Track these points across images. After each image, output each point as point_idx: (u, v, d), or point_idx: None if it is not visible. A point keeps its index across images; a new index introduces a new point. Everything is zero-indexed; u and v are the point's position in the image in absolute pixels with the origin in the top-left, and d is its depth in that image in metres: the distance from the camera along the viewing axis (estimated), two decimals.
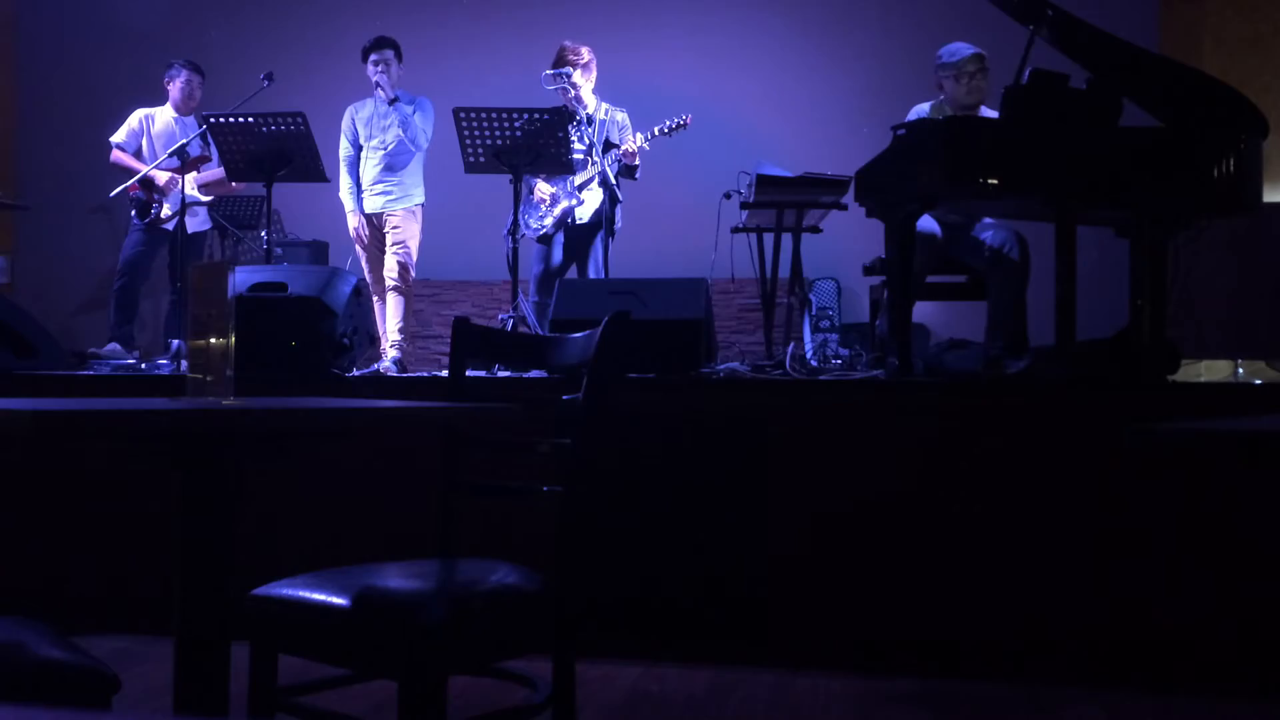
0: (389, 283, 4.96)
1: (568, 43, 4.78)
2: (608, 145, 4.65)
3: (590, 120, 4.69)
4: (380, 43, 4.99)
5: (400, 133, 4.91)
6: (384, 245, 5.02)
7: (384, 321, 5.00)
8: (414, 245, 5.00)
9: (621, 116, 4.76)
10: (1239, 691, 2.70)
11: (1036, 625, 2.90)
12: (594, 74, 4.75)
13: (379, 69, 4.94)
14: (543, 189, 4.73)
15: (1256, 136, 3.34)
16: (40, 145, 6.88)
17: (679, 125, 4.58)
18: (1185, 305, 4.13)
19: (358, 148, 5.04)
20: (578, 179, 4.69)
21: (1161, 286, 3.44)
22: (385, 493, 3.11)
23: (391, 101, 4.92)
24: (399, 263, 4.94)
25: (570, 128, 4.58)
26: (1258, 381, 4.50)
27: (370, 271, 5.05)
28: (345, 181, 5.05)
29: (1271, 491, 2.78)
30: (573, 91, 4.69)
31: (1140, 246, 3.51)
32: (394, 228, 4.97)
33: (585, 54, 4.73)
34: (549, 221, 4.75)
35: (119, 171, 5.29)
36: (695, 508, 3.08)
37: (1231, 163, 3.28)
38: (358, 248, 5.08)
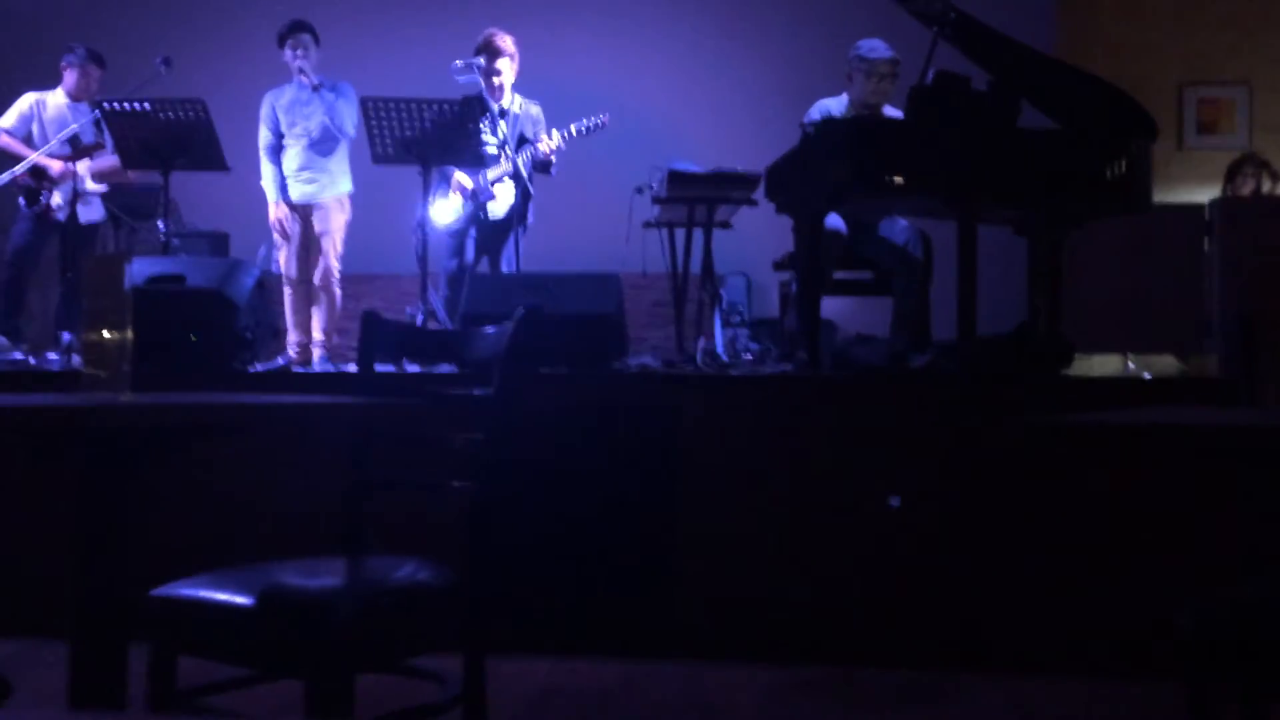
0: (320, 279, 4.83)
1: (494, 30, 4.69)
2: (521, 140, 4.61)
3: (504, 114, 4.64)
4: (296, 26, 4.85)
5: (326, 120, 4.79)
6: (307, 236, 4.88)
7: (293, 315, 4.88)
8: (339, 237, 4.89)
9: (536, 110, 4.70)
10: (1138, 675, 2.80)
11: (934, 613, 2.97)
12: (517, 64, 4.68)
13: (298, 54, 4.79)
14: (462, 179, 4.66)
15: (1146, 139, 3.47)
16: None
17: (597, 125, 4.55)
18: (1078, 302, 4.28)
19: (279, 135, 4.88)
20: (490, 173, 4.63)
21: (1057, 284, 3.57)
22: (291, 489, 3.05)
23: (315, 88, 4.79)
24: (328, 255, 4.82)
25: (483, 120, 4.52)
26: (1146, 375, 4.68)
27: (288, 263, 4.90)
28: (268, 170, 4.89)
29: (1159, 478, 2.90)
30: (496, 80, 4.61)
31: (1037, 245, 3.63)
32: (319, 218, 4.85)
33: (511, 43, 4.66)
34: (460, 214, 4.68)
35: (4, 157, 5.07)
36: (607, 501, 3.08)
37: (1123, 164, 3.41)
38: (277, 237, 4.92)
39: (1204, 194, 5.44)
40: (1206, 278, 4.97)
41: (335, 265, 4.87)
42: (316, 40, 4.87)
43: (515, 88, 4.72)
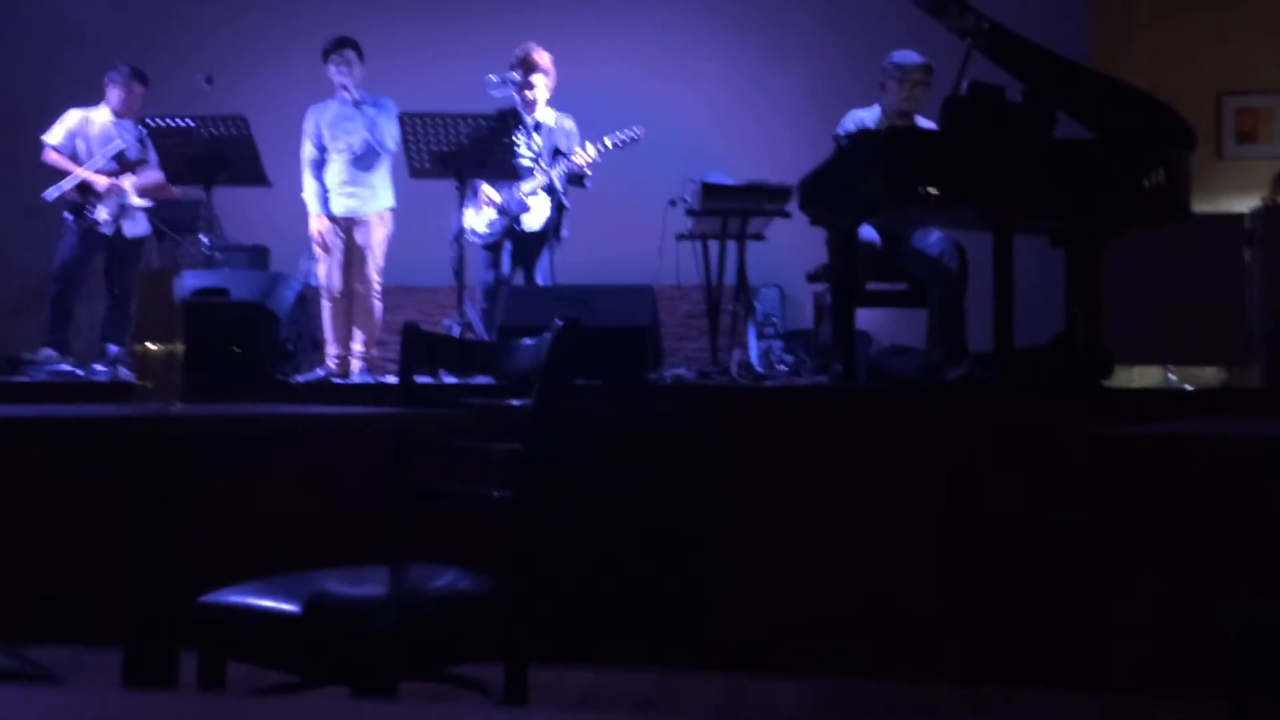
0: (361, 292, 4.88)
1: (532, 44, 4.74)
2: (555, 153, 4.65)
3: (539, 127, 4.69)
4: (341, 43, 4.88)
5: (367, 135, 4.83)
6: (348, 249, 4.93)
7: (331, 327, 4.92)
8: (380, 251, 4.92)
9: (570, 124, 4.74)
10: (1183, 687, 2.78)
11: (977, 626, 2.96)
12: (553, 79, 4.73)
13: (342, 70, 4.84)
14: (488, 193, 4.70)
15: (1185, 148, 3.45)
16: None
17: (632, 139, 4.59)
18: (1118, 313, 4.25)
19: (322, 149, 4.92)
20: (525, 186, 4.68)
21: (1095, 294, 3.55)
22: (334, 499, 3.09)
23: (357, 104, 4.84)
24: (369, 268, 4.87)
25: (517, 133, 4.57)
26: (1188, 387, 4.64)
27: (328, 275, 4.94)
28: (310, 184, 4.92)
29: (1201, 490, 2.87)
30: (531, 94, 4.66)
31: (1075, 256, 3.61)
32: (360, 232, 4.90)
33: (548, 59, 4.71)
34: (494, 227, 4.72)
35: (52, 171, 5.17)
36: (643, 512, 3.10)
37: (1161, 174, 3.39)
38: (317, 250, 4.96)
39: (1244, 203, 5.38)
40: (1247, 288, 4.92)
41: (375, 279, 4.92)
42: (360, 56, 4.92)
43: (550, 101, 4.76)
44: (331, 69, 4.87)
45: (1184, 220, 3.50)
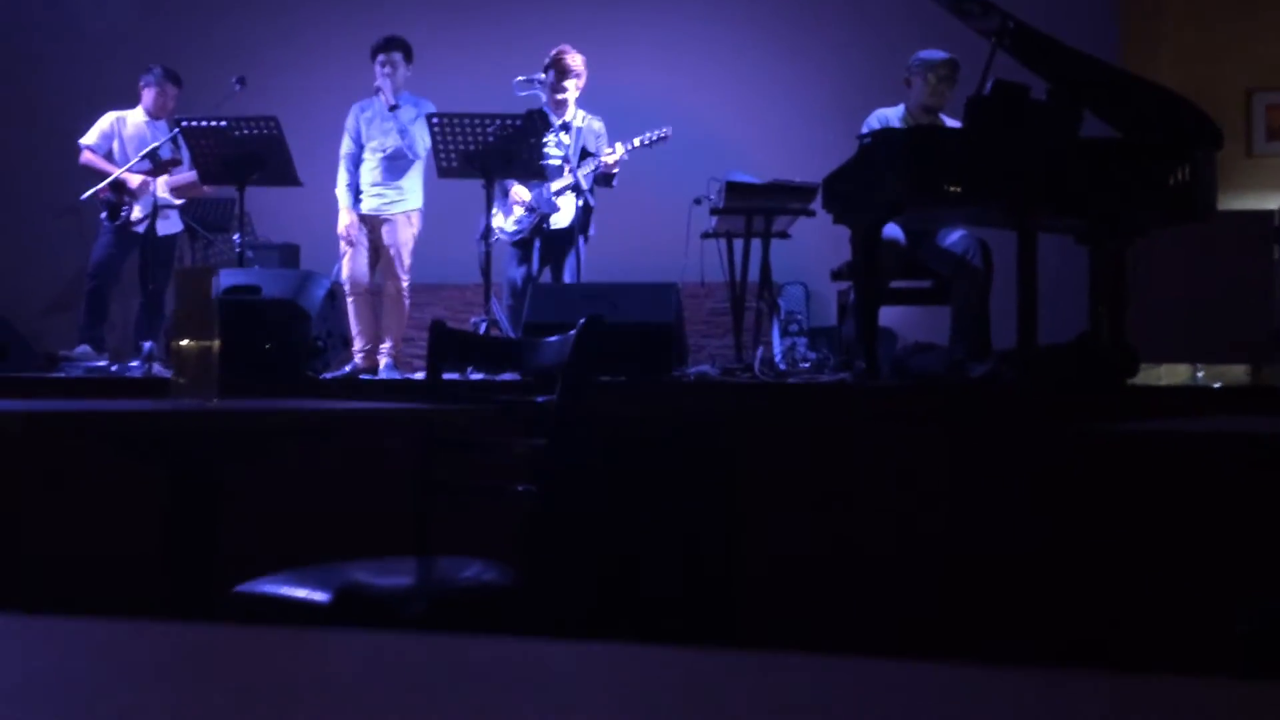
0: (388, 290, 4.93)
1: (565, 47, 4.79)
2: (584, 154, 4.70)
3: (567, 127, 4.74)
4: (389, 44, 4.88)
5: (399, 140, 4.87)
6: (374, 247, 4.99)
7: (356, 322, 4.98)
8: (406, 250, 4.96)
9: (598, 125, 4.78)
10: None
11: (997, 621, 2.97)
12: (583, 82, 4.78)
13: (385, 71, 4.84)
14: (519, 193, 4.76)
15: (1210, 147, 3.44)
16: (7, 146, 6.83)
17: (659, 138, 4.63)
18: (1146, 311, 4.24)
19: (359, 146, 4.95)
20: (553, 186, 4.73)
21: (1121, 292, 3.55)
22: (363, 491, 3.15)
23: (392, 108, 4.88)
24: (396, 267, 4.92)
25: (547, 134, 4.62)
26: (1216, 385, 4.62)
27: (353, 271, 4.99)
28: (343, 178, 4.96)
29: (1221, 486, 2.87)
30: (561, 96, 4.71)
31: (1099, 254, 3.61)
32: (388, 231, 4.95)
33: (581, 62, 4.75)
34: (524, 224, 4.78)
35: (88, 173, 5.27)
36: (666, 506, 3.13)
37: (1187, 172, 3.39)
38: (344, 245, 5.02)
39: (1273, 201, 5.35)
40: (1277, 285, 4.89)
41: (403, 277, 4.97)
42: (408, 59, 4.90)
43: (579, 102, 4.81)
44: (376, 68, 4.90)
45: (1209, 219, 3.50)
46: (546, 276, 4.81)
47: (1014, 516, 3.00)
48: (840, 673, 0.40)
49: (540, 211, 4.74)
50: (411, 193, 4.98)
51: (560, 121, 4.73)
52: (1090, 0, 6.06)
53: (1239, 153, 5.79)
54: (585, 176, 4.64)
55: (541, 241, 4.79)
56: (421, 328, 3.01)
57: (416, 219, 5.00)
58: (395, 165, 4.91)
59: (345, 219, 4.96)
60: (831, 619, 3.03)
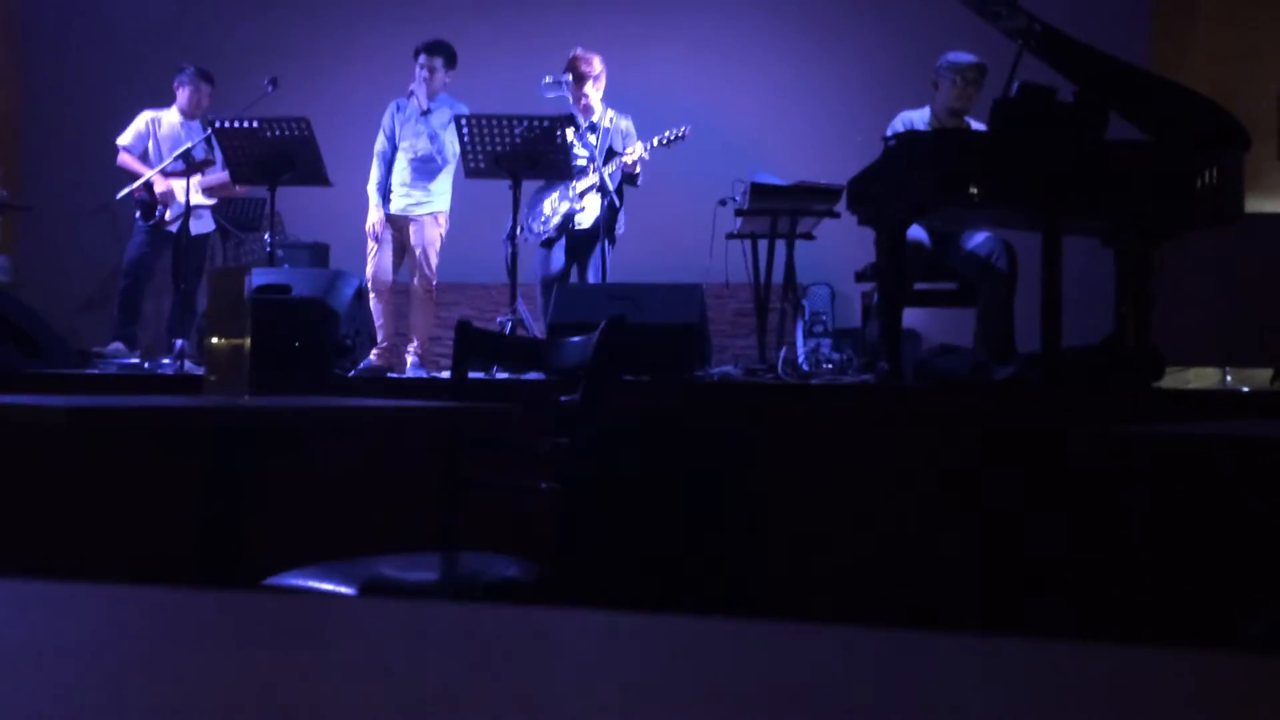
0: (414, 289, 4.97)
1: (580, 51, 4.82)
2: (610, 154, 4.73)
3: (595, 128, 4.77)
4: (433, 48, 4.90)
5: (429, 145, 4.91)
6: (400, 246, 5.04)
7: (379, 319, 5.01)
8: (433, 251, 5.00)
9: (626, 124, 4.81)
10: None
11: (1017, 623, 2.98)
12: (603, 83, 4.81)
13: (423, 74, 4.87)
14: (551, 202, 4.81)
15: (1238, 150, 3.43)
16: (44, 146, 6.95)
17: (678, 137, 4.66)
18: (1175, 313, 4.22)
19: (393, 145, 4.99)
20: (579, 185, 4.76)
21: (1146, 295, 3.54)
22: (389, 488, 3.19)
23: (424, 112, 4.91)
24: (423, 267, 4.96)
25: (575, 135, 4.66)
26: (1245, 389, 4.58)
27: (377, 269, 5.04)
28: (374, 175, 4.99)
29: (1241, 489, 2.86)
30: (583, 100, 4.76)
31: (1125, 256, 3.60)
32: (415, 231, 4.99)
33: (596, 64, 4.78)
34: (553, 224, 4.82)
35: (123, 173, 5.36)
36: (689, 506, 3.16)
37: (1213, 175, 3.37)
38: (371, 242, 5.07)
39: None
40: None
41: (430, 276, 5.01)
42: (449, 64, 4.90)
43: (606, 101, 4.84)
44: (416, 69, 4.93)
45: (1236, 222, 3.48)
46: (575, 276, 4.85)
47: (1038, 519, 3.00)
48: (865, 641, 0.43)
49: (568, 211, 4.78)
50: (439, 195, 5.02)
51: (588, 122, 4.77)
52: (1123, 2, 6.02)
53: (1269, 154, 5.74)
54: (610, 176, 4.67)
55: (567, 240, 4.82)
56: (448, 327, 3.05)
57: (444, 220, 5.04)
58: (425, 167, 4.95)
59: (373, 216, 5.01)
60: (854, 618, 3.04)
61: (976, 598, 3.01)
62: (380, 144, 5.01)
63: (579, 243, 4.83)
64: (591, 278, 4.74)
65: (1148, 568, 2.93)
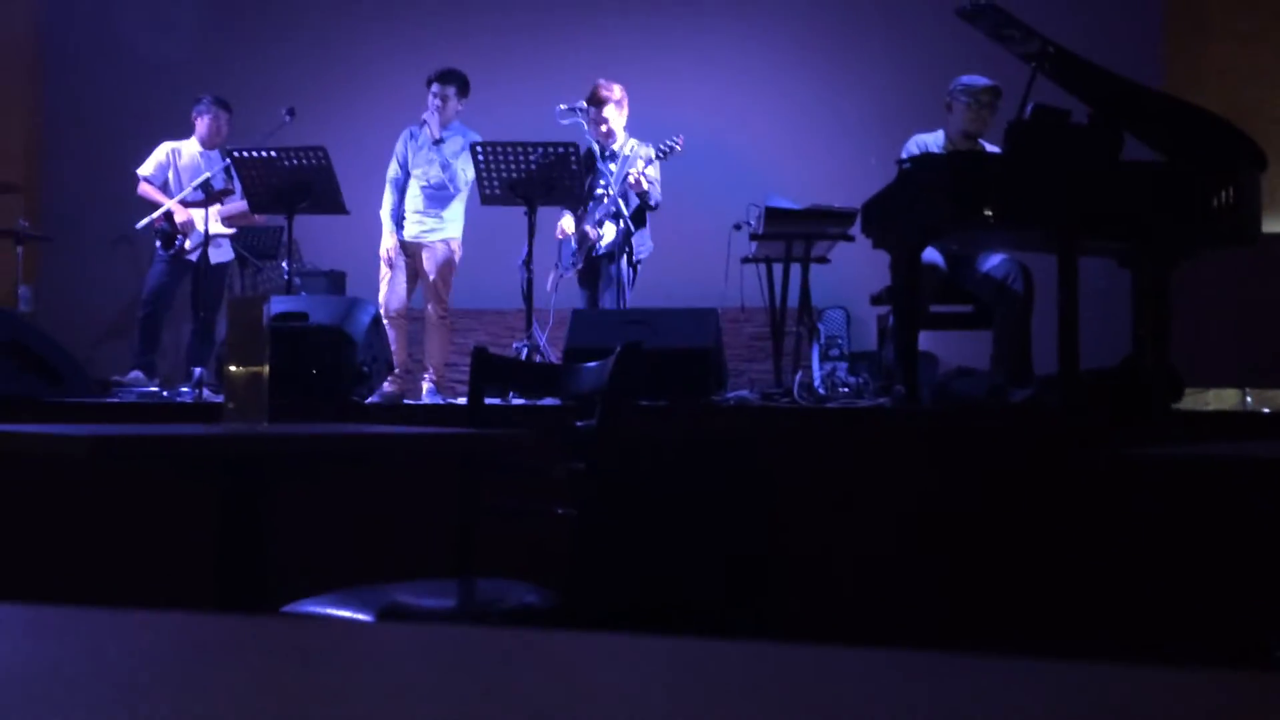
0: (428, 316, 5.00)
1: (601, 81, 4.88)
2: (626, 179, 4.78)
3: (615, 156, 4.81)
4: (446, 77, 4.95)
5: (441, 174, 4.95)
6: (412, 273, 5.07)
7: (394, 346, 5.04)
8: (447, 277, 5.04)
9: (646, 151, 4.83)
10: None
11: (1036, 643, 2.95)
12: (626, 109, 4.86)
13: (436, 103, 4.93)
14: (565, 225, 4.84)
15: (1254, 170, 3.42)
16: (64, 176, 7.03)
17: (670, 149, 4.69)
18: (1195, 335, 4.19)
19: (406, 172, 5.04)
20: (598, 214, 4.81)
21: (1164, 316, 3.52)
22: (406, 514, 3.19)
23: (436, 141, 4.95)
24: (436, 293, 4.99)
25: (599, 163, 4.72)
26: (1265, 410, 4.55)
27: (388, 296, 5.07)
28: (387, 201, 5.04)
29: (1262, 511, 2.83)
30: (604, 124, 4.80)
31: (1142, 277, 3.59)
32: (427, 258, 5.02)
33: (618, 90, 4.83)
34: (578, 256, 4.87)
35: (143, 203, 5.42)
36: (705, 530, 3.15)
37: (1230, 195, 3.36)
38: (385, 268, 5.10)
39: None
40: None
41: (444, 303, 5.04)
42: (462, 93, 4.96)
43: (631, 130, 4.88)
44: (429, 97, 4.99)
45: (1253, 243, 3.47)
46: (608, 302, 4.86)
47: (1056, 542, 2.98)
48: (881, 668, 0.43)
49: (589, 241, 4.81)
50: (452, 222, 5.05)
51: (609, 150, 4.82)
52: (1135, 21, 6.03)
53: None
54: (621, 200, 4.71)
55: (587, 266, 4.86)
56: (464, 353, 3.07)
57: (457, 247, 5.08)
58: (438, 195, 4.99)
59: (387, 241, 5.05)
60: (870, 641, 3.02)
61: (995, 620, 2.98)
62: (393, 171, 5.06)
63: (594, 267, 4.85)
64: (606, 303, 4.76)
65: (1168, 591, 2.90)
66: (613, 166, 4.78)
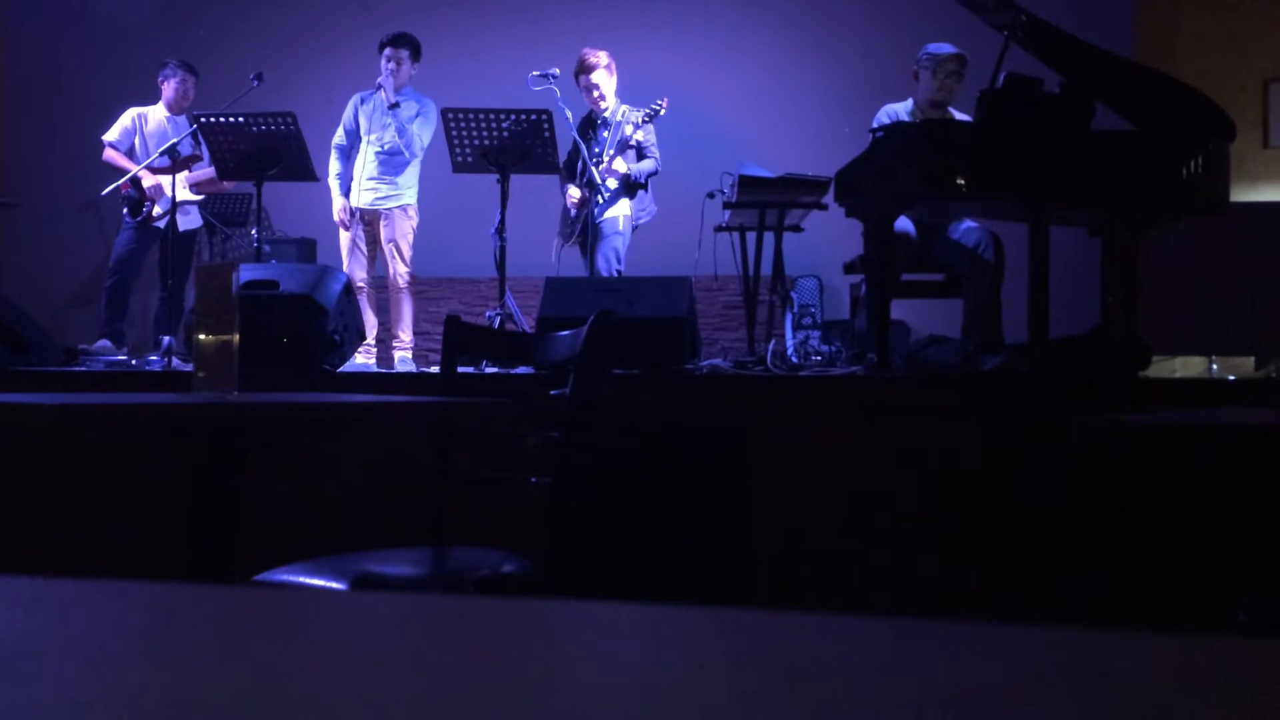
0: (392, 284, 4.98)
1: (586, 49, 4.86)
2: (624, 146, 4.76)
3: (607, 123, 4.79)
4: (397, 40, 4.91)
5: (395, 138, 4.91)
6: (369, 240, 5.03)
7: (367, 316, 5.01)
8: (406, 244, 5.01)
9: (637, 115, 4.80)
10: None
11: (1004, 611, 2.99)
12: (615, 74, 4.84)
13: (389, 66, 4.88)
14: (572, 193, 4.83)
15: (1223, 139, 3.44)
16: (28, 142, 6.91)
17: (656, 111, 4.70)
18: (1161, 303, 4.24)
19: (354, 137, 5.00)
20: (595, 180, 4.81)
21: (1133, 285, 3.55)
22: (379, 483, 3.19)
23: (392, 106, 4.91)
24: (397, 261, 4.95)
25: (591, 131, 4.72)
26: (1230, 377, 4.61)
27: (353, 263, 5.03)
28: (333, 167, 4.99)
29: (1224, 477, 2.88)
30: (595, 93, 4.78)
31: (1112, 246, 3.62)
32: (385, 226, 4.99)
33: (604, 57, 4.81)
34: (576, 225, 4.86)
35: (109, 169, 5.33)
36: (678, 498, 3.16)
37: (1199, 164, 3.39)
38: (343, 231, 5.06)
39: None
40: None
41: (405, 270, 5.00)
42: (415, 56, 4.93)
43: (622, 96, 4.87)
44: (381, 62, 4.94)
45: (1222, 211, 3.50)
46: (601, 266, 4.84)
47: (1025, 508, 3.01)
48: (855, 630, 0.43)
49: (584, 210, 4.81)
50: (408, 188, 5.01)
51: (600, 117, 4.80)
52: None
53: (1255, 144, 5.77)
54: (600, 172, 4.69)
55: (583, 234, 4.86)
56: (437, 322, 3.06)
57: (414, 213, 5.04)
58: (392, 160, 4.94)
59: (337, 203, 5.01)
60: (844, 607, 3.05)
61: (967, 586, 3.02)
62: (339, 137, 5.02)
63: (599, 232, 4.86)
64: (601, 269, 4.75)
65: (1135, 555, 2.95)
66: (605, 134, 4.77)
